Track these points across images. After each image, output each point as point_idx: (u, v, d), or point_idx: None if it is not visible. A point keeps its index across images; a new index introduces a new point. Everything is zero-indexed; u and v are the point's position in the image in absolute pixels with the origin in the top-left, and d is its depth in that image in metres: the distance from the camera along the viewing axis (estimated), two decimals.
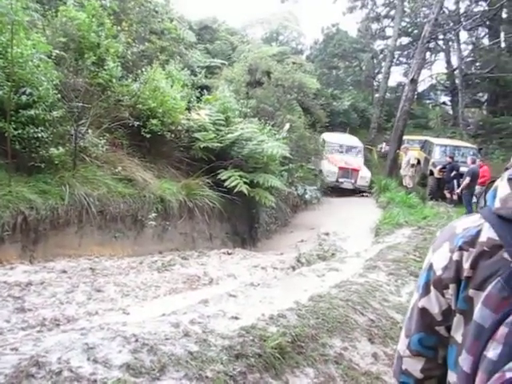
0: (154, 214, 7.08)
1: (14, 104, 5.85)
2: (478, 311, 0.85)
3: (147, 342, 2.80)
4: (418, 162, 16.33)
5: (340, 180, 15.68)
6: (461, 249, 0.92)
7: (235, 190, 8.43)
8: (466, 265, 0.90)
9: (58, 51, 6.91)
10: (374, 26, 30.32)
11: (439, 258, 0.97)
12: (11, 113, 5.76)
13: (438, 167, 14.84)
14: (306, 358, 3.20)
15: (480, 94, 28.21)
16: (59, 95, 6.55)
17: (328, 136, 17.95)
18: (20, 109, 5.93)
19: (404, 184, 15.60)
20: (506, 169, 0.95)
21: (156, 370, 2.56)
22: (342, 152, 17.12)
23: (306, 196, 12.62)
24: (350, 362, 3.39)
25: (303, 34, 29.05)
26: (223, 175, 8.64)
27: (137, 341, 2.79)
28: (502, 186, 0.92)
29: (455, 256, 0.93)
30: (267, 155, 9.29)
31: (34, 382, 2.27)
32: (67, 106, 6.73)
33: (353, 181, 15.85)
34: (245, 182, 8.58)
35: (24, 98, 5.91)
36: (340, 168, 15.78)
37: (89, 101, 7.04)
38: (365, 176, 15.94)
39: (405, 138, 18.89)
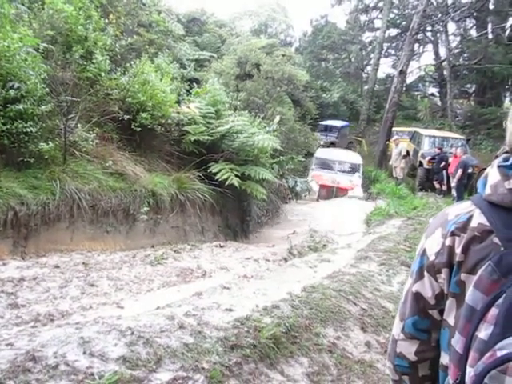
0: (145, 208, 7.05)
1: (2, 98, 5.77)
2: (470, 294, 0.88)
3: (143, 334, 2.82)
4: (408, 153, 16.47)
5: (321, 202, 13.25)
6: (453, 234, 0.95)
7: (226, 183, 8.42)
8: (458, 250, 0.93)
9: (45, 44, 6.82)
10: (363, 18, 30.44)
11: (432, 244, 1.00)
12: None
13: (427, 158, 14.98)
14: (300, 347, 3.24)
15: (468, 85, 28.45)
16: (47, 89, 6.46)
17: (321, 153, 15.11)
18: (8, 103, 5.84)
19: (394, 175, 15.74)
20: (496, 156, 0.98)
21: (152, 362, 2.58)
22: (332, 170, 14.27)
23: (297, 188, 12.69)
24: (344, 350, 3.44)
25: (292, 26, 29.01)
26: (214, 168, 8.62)
27: (132, 334, 2.81)
28: (492, 173, 0.95)
29: (447, 241, 0.96)
30: (258, 148, 9.29)
31: (31, 376, 2.28)
32: (56, 100, 6.65)
33: None
34: (236, 175, 8.58)
35: (12, 92, 5.82)
36: (322, 186, 13.37)
37: (78, 95, 6.97)
38: (355, 196, 13.36)
39: (394, 129, 19.00)
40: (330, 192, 13.26)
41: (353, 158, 15.33)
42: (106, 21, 8.57)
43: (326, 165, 14.27)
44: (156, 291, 4.85)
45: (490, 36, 24.16)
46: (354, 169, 14.26)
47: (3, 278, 4.42)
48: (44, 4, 7.57)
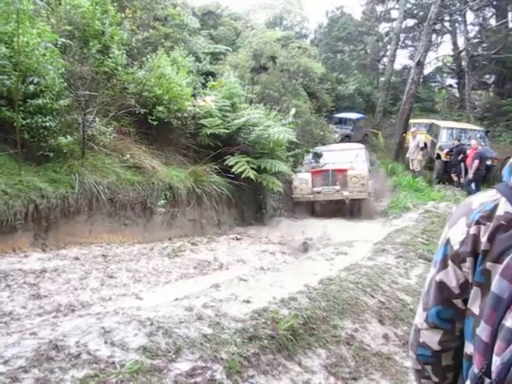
0: (162, 201, 7.12)
1: (22, 93, 5.85)
2: (496, 283, 0.87)
3: (162, 325, 2.86)
4: (425, 145, 16.23)
5: (316, 190, 10.86)
6: (478, 223, 0.94)
7: (243, 176, 8.45)
8: (484, 238, 0.92)
9: (63, 40, 6.89)
10: (379, 9, 29.95)
11: (456, 233, 0.99)
12: (19, 102, 5.78)
13: (445, 150, 14.75)
14: (317, 339, 3.25)
15: (487, 76, 27.85)
16: (66, 84, 6.54)
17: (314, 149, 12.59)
18: (28, 98, 5.93)
19: (411, 168, 15.52)
20: None
21: (172, 352, 2.62)
22: (329, 161, 11.71)
23: None
24: (361, 342, 3.44)
25: (307, 18, 28.56)
26: (230, 161, 8.65)
27: (152, 324, 2.85)
28: None
29: (472, 230, 0.94)
30: (274, 140, 9.29)
31: (54, 364, 2.33)
32: (74, 95, 6.73)
33: (338, 187, 10.68)
34: (252, 168, 8.60)
35: (31, 87, 5.91)
36: (314, 173, 11.13)
37: (95, 89, 7.03)
38: (357, 175, 10.70)
39: (411, 121, 18.74)
40: (325, 178, 10.89)
41: (351, 145, 13.53)
42: (122, 15, 8.63)
43: (320, 157, 12.12)
44: (174, 283, 4.90)
45: (510, 25, 23.58)
46: (354, 154, 11.95)
47: (25, 270, 4.51)
48: None
